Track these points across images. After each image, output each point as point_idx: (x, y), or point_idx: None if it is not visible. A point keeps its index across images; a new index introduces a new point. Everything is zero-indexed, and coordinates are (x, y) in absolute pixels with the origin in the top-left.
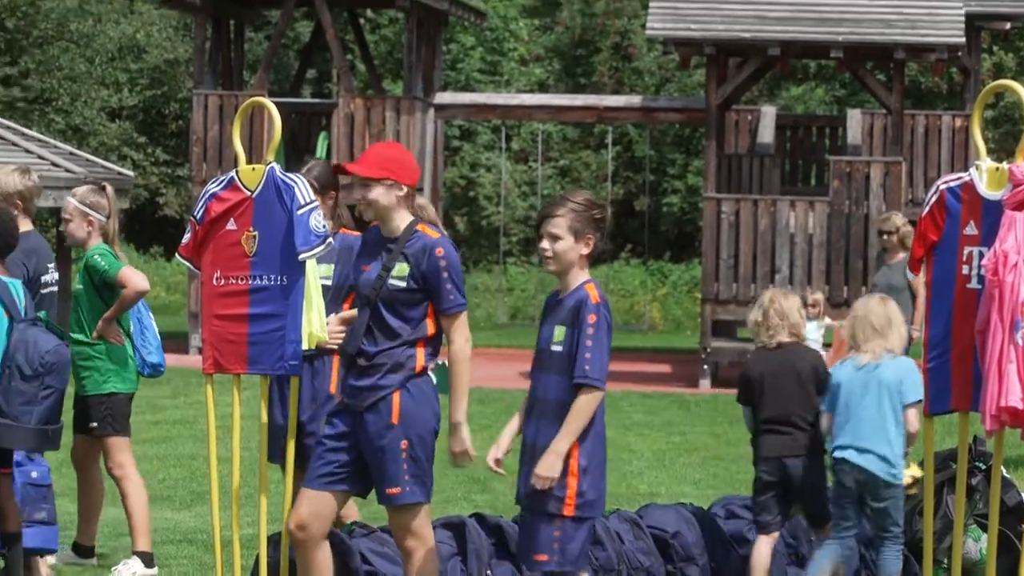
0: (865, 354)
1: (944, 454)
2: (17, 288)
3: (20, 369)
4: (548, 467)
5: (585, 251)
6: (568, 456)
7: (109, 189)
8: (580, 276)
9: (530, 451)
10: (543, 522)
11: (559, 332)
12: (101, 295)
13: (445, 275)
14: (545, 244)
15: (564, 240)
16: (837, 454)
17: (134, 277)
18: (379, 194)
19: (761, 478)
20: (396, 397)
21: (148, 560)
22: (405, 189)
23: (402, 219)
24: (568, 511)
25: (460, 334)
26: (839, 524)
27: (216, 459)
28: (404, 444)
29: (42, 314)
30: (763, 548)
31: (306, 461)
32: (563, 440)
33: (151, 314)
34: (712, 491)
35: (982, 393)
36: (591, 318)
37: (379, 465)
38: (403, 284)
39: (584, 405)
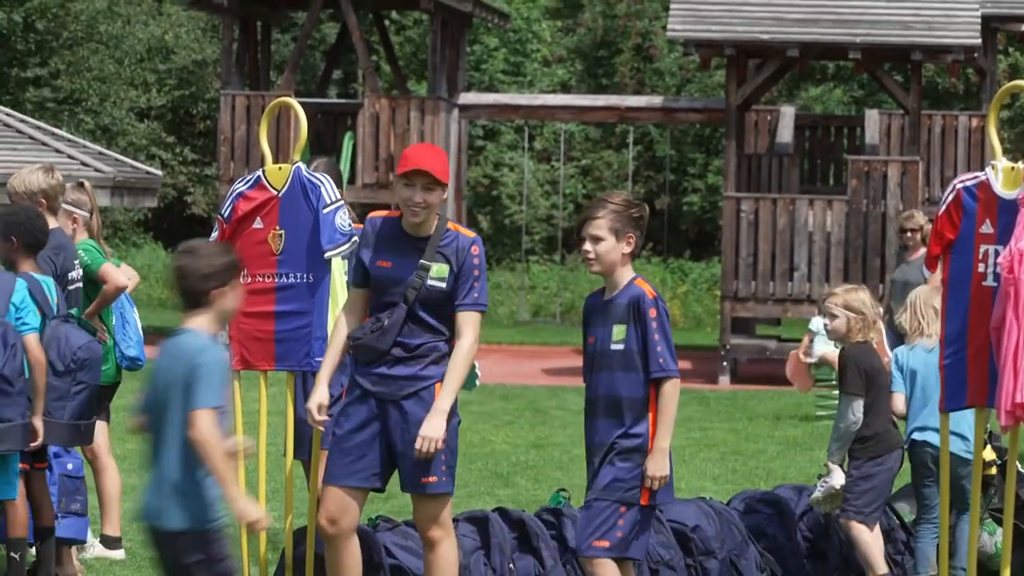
0: (931, 337)
1: None
2: (49, 285)
3: (53, 365)
4: (658, 467)
5: (627, 250)
6: (644, 448)
7: (87, 185)
8: (626, 274)
9: (597, 449)
10: (610, 509)
11: (619, 331)
12: (86, 290)
13: (476, 273)
14: (587, 246)
15: (606, 241)
16: (917, 436)
17: (114, 273)
18: (437, 197)
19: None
20: (439, 388)
21: (113, 544)
22: (446, 192)
23: (433, 219)
24: (644, 499)
25: (473, 331)
26: (927, 506)
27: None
28: (443, 434)
29: (74, 311)
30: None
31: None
32: (665, 437)
33: (135, 308)
34: (731, 486)
35: (998, 389)
36: (652, 312)
37: (415, 454)
38: (443, 285)
39: (670, 396)
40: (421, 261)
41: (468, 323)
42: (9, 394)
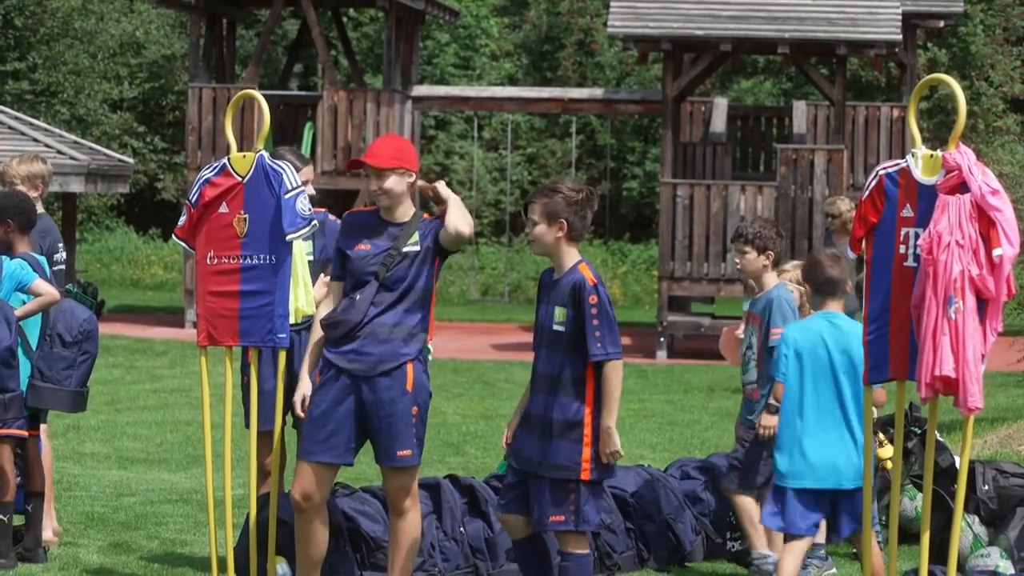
0: None
1: (883, 420)
2: (44, 263)
3: (61, 337)
4: (607, 444)
5: (560, 234)
6: (582, 424)
7: None
8: (570, 257)
9: (536, 421)
10: (559, 486)
11: (559, 313)
12: None
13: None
14: (527, 229)
15: (540, 225)
16: None
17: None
18: (393, 183)
19: None
20: (411, 366)
21: None
22: (414, 176)
23: (408, 206)
24: (585, 475)
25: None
26: None
27: (210, 425)
28: (415, 410)
29: (70, 286)
30: None
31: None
32: (610, 416)
33: None
34: (668, 454)
35: (918, 363)
36: (592, 299)
37: (390, 429)
38: (416, 248)
39: (611, 376)
40: (395, 243)
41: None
42: (13, 367)
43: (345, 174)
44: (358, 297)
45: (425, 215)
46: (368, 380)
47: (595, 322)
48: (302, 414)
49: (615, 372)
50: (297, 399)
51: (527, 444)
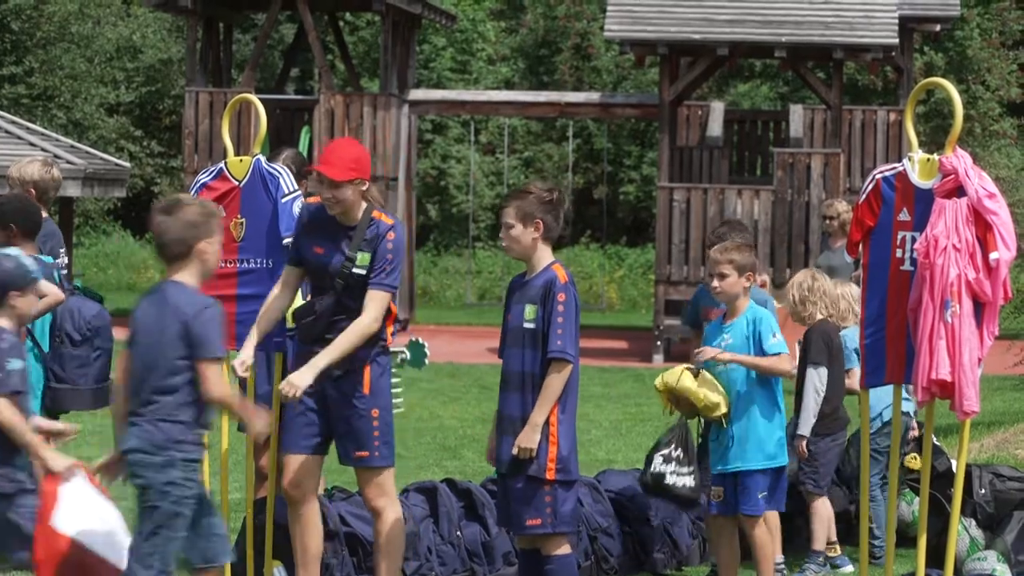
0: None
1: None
2: (48, 264)
3: (70, 336)
4: (527, 439)
5: (536, 234)
6: (547, 423)
7: None
8: (544, 258)
9: (507, 421)
10: (532, 488)
11: (530, 311)
12: None
13: (389, 257)
14: (502, 233)
15: (516, 227)
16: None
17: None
18: (348, 194)
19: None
20: (367, 369)
21: None
22: (367, 184)
23: (359, 208)
24: (551, 475)
25: (375, 309)
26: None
27: None
28: (375, 412)
29: (77, 282)
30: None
31: None
32: (540, 413)
33: None
34: None
35: (914, 367)
36: (561, 296)
37: (349, 430)
38: (364, 272)
39: (557, 377)
40: (347, 253)
41: (371, 300)
42: None
43: None
44: (318, 308)
45: (375, 213)
46: (328, 381)
47: (560, 319)
48: (240, 373)
49: (562, 373)
50: (235, 362)
51: (505, 446)
